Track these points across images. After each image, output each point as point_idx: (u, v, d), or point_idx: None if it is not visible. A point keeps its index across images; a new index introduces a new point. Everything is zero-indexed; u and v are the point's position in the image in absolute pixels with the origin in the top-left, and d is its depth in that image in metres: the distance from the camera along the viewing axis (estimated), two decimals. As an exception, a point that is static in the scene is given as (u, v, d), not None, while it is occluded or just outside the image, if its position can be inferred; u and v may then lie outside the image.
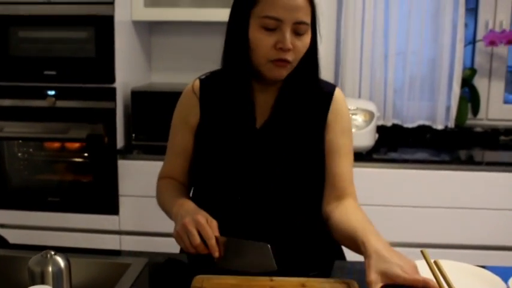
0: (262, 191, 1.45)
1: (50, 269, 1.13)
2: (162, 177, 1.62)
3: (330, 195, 1.48)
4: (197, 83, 1.53)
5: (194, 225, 1.28)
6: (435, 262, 0.93)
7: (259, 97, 1.47)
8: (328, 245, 1.55)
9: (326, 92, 1.49)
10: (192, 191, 1.63)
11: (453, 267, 1.24)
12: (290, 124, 1.45)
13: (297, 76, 1.44)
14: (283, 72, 1.39)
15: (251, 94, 1.45)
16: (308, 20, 1.35)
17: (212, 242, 1.27)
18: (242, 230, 1.40)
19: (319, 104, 1.48)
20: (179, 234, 1.30)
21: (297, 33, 1.34)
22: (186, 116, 1.52)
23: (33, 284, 1.11)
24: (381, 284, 1.13)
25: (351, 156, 1.52)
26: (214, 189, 1.50)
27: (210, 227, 1.28)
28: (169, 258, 1.48)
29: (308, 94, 1.46)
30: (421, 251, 0.95)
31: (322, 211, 1.50)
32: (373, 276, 1.14)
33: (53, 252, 1.15)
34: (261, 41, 1.34)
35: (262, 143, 1.45)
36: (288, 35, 1.32)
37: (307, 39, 1.38)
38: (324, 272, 1.40)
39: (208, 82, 1.52)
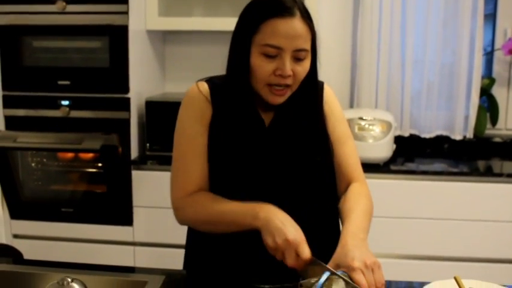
0: (275, 186, 1.47)
1: None
2: (189, 193, 1.49)
3: (340, 184, 1.56)
4: (205, 86, 1.52)
5: (295, 246, 1.27)
6: (469, 290, 0.88)
7: (264, 103, 1.48)
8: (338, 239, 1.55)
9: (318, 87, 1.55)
10: None
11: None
12: (294, 120, 1.49)
13: (297, 96, 1.47)
14: (281, 99, 1.43)
15: (255, 102, 1.48)
16: (308, 46, 1.39)
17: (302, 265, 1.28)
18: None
19: (315, 98, 1.52)
20: (278, 248, 1.28)
21: (297, 59, 1.38)
22: (202, 117, 1.49)
23: None
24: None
25: (352, 141, 1.58)
26: (229, 188, 1.48)
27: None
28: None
29: (310, 103, 1.51)
30: (455, 278, 0.90)
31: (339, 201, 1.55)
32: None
33: (69, 280, 1.11)
34: (261, 68, 1.37)
35: (272, 140, 1.48)
36: (288, 62, 1.36)
37: (307, 64, 1.41)
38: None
39: (215, 86, 1.51)
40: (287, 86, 1.39)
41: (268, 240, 1.28)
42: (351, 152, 1.56)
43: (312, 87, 1.48)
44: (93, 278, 1.42)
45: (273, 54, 1.35)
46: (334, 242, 1.53)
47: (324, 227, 1.55)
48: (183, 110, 1.53)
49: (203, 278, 1.47)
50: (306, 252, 1.26)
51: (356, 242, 1.29)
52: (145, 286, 1.37)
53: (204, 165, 1.49)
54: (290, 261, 1.27)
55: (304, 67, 1.40)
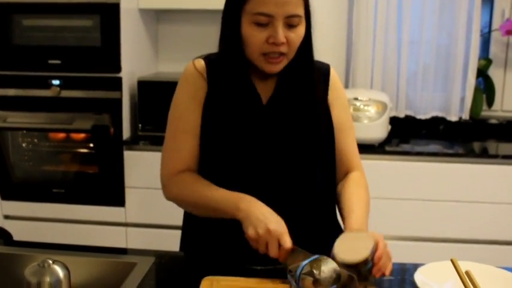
0: (272, 166, 1.44)
1: (48, 279, 1.06)
2: (176, 171, 1.47)
3: (340, 172, 1.54)
4: (202, 63, 1.48)
5: (277, 237, 1.24)
6: (467, 273, 0.85)
7: (261, 77, 1.45)
8: (334, 224, 1.55)
9: (323, 70, 1.52)
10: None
11: (477, 270, 1.16)
12: (294, 98, 1.44)
13: (293, 64, 1.42)
14: (277, 67, 1.39)
15: (251, 77, 1.44)
16: (300, 11, 1.35)
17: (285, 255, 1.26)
18: None
19: (318, 80, 1.48)
20: (260, 238, 1.25)
21: (290, 25, 1.34)
22: (195, 94, 1.46)
23: None
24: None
25: (353, 130, 1.56)
26: (223, 168, 1.45)
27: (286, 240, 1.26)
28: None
29: (306, 73, 1.45)
30: (451, 260, 0.88)
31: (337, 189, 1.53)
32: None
33: (51, 261, 1.07)
34: (254, 37, 1.34)
35: (270, 118, 1.44)
36: (280, 29, 1.32)
37: (301, 30, 1.37)
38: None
39: (211, 63, 1.48)
40: (282, 54, 1.36)
41: (250, 231, 1.26)
42: (351, 142, 1.54)
43: (307, 55, 1.44)
44: (79, 260, 1.40)
45: (265, 22, 1.32)
46: (330, 225, 1.53)
47: (320, 210, 1.52)
48: (178, 87, 1.50)
49: (198, 260, 1.45)
50: (288, 242, 1.24)
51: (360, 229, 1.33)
52: (134, 268, 1.34)
53: (194, 144, 1.46)
54: (273, 251, 1.24)
55: (298, 33, 1.36)
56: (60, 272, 1.07)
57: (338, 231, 1.52)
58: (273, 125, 1.44)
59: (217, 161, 1.46)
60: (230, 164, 1.44)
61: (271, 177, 1.43)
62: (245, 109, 1.43)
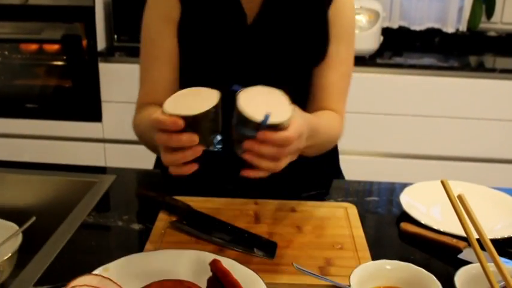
0: None
1: None
2: (141, 105, 1.28)
3: (310, 110, 1.25)
4: None
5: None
6: (459, 197, 0.73)
7: None
8: (324, 161, 1.36)
9: None
10: None
11: (469, 191, 1.04)
12: (284, 18, 1.22)
13: None
14: None
15: None
16: None
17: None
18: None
19: None
20: (167, 158, 0.88)
21: None
22: (168, 15, 1.24)
23: None
24: None
25: (345, 68, 1.27)
26: None
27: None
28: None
29: None
30: (441, 182, 0.75)
31: None
32: None
33: None
34: None
35: (254, 41, 1.23)
36: None
37: None
38: (318, 193, 1.23)
39: None
40: None
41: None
42: (337, 80, 1.26)
43: None
44: (36, 178, 1.29)
45: None
46: (314, 158, 1.29)
47: None
48: (147, 6, 1.28)
49: (170, 178, 1.32)
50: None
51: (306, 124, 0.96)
52: (92, 187, 1.22)
53: (167, 73, 1.26)
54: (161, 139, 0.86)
55: None
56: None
57: (328, 168, 1.40)
58: (257, 48, 1.23)
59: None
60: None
61: None
62: (226, 29, 1.22)
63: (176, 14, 1.23)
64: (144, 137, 1.22)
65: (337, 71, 1.26)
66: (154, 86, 1.27)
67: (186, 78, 1.28)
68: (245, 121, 0.82)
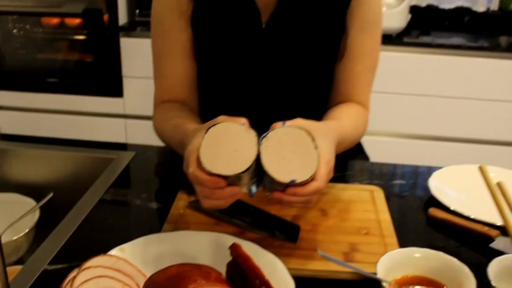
0: (269, 99, 1.22)
1: None
2: (159, 102, 1.24)
3: (332, 103, 1.22)
4: None
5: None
6: (499, 184, 0.68)
7: None
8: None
9: None
10: None
11: (507, 178, 0.99)
12: (301, 14, 1.15)
13: None
14: None
15: None
16: None
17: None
18: None
19: None
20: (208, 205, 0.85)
21: None
22: (179, 6, 1.17)
23: None
24: None
25: (370, 60, 1.21)
26: (218, 95, 1.25)
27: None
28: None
29: None
30: (480, 168, 0.70)
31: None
32: None
33: None
34: None
35: (269, 40, 1.16)
36: None
37: None
38: (342, 175, 1.19)
39: None
40: None
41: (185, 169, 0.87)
42: (361, 72, 1.21)
43: None
44: (56, 154, 1.27)
45: None
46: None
47: None
48: (154, 1, 1.20)
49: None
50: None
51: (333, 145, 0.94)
52: (111, 163, 1.19)
53: (183, 67, 1.20)
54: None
55: None
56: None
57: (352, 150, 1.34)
58: (274, 47, 1.17)
59: (211, 90, 1.25)
60: (226, 92, 1.23)
61: (269, 109, 1.20)
62: (240, 28, 1.16)
63: (188, 8, 1.17)
64: (168, 142, 1.16)
65: (361, 63, 1.20)
66: (172, 82, 1.22)
67: (201, 77, 1.23)
68: (272, 180, 0.79)
